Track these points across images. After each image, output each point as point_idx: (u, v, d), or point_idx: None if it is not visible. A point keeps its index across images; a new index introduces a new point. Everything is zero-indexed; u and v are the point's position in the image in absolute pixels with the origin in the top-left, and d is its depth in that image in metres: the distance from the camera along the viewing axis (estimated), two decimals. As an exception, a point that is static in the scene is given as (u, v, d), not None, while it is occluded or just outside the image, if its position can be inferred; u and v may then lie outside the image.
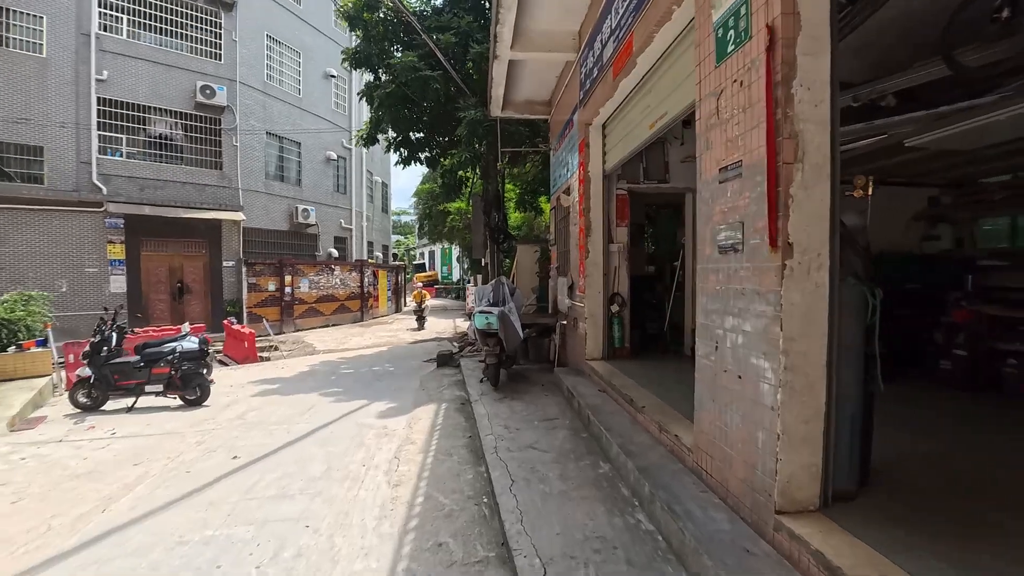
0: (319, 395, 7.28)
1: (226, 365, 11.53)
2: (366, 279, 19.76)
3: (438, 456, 4.49)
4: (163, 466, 4.59)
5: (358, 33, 10.91)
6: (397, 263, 25.43)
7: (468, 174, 13.67)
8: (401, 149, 11.81)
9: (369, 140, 11.10)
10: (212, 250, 15.25)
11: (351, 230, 21.00)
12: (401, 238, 56.29)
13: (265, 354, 12.32)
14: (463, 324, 17.85)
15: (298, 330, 16.58)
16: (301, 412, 6.34)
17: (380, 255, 24.48)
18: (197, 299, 15.13)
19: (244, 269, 15.27)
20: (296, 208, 17.58)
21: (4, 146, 12.29)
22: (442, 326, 17.68)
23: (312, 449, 4.96)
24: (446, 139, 11.90)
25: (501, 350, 6.40)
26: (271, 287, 15.99)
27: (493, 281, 7.35)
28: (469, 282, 32.94)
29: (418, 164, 12.19)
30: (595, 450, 4.13)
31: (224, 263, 15.34)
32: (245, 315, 15.27)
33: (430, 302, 32.36)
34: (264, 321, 13.97)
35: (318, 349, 12.96)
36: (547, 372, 7.32)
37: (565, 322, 7.36)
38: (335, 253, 19.71)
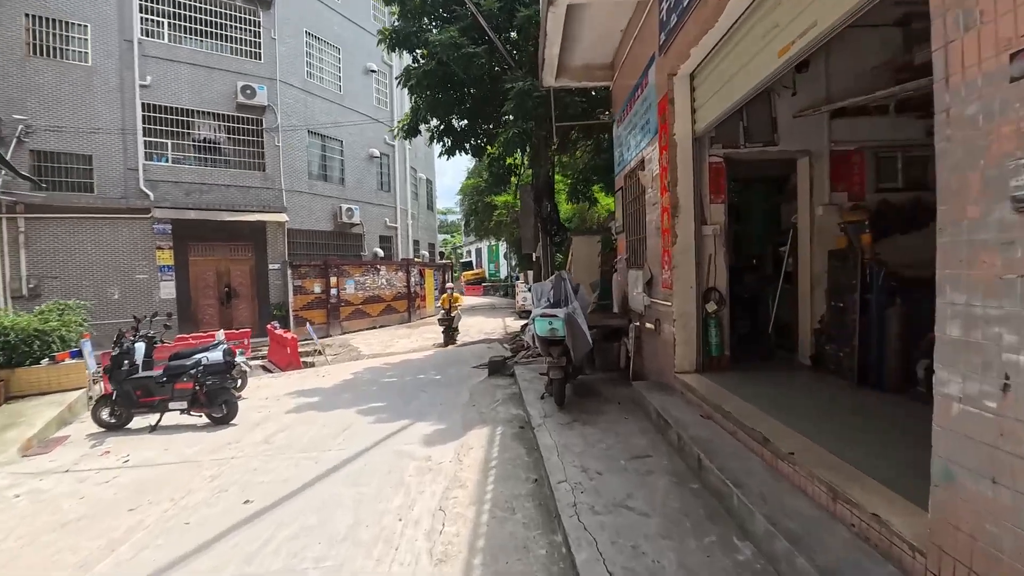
0: (357, 411, 6.39)
1: (269, 372, 11.02)
2: (412, 278, 19.10)
3: (495, 512, 3.39)
4: (162, 512, 3.75)
5: (394, 10, 10.00)
6: (443, 261, 24.75)
7: (516, 161, 12.53)
8: (444, 138, 10.83)
9: (410, 131, 10.18)
10: (258, 253, 14.96)
11: (396, 228, 20.41)
12: (447, 237, 56.20)
13: (309, 359, 11.75)
14: (513, 323, 16.81)
15: (345, 332, 16.08)
16: (335, 434, 5.44)
17: (426, 253, 23.86)
18: (244, 303, 14.89)
19: (289, 271, 14.88)
20: (340, 208, 17.09)
21: (55, 156, 12.33)
22: (491, 326, 16.71)
23: (340, 489, 3.99)
24: (492, 126, 10.81)
25: (568, 361, 5.23)
26: (317, 289, 15.55)
27: (552, 277, 6.19)
28: (518, 279, 31.97)
29: (463, 154, 11.19)
30: (719, 514, 2.90)
31: (270, 266, 15.02)
32: (292, 318, 14.89)
33: (477, 300, 31.75)
34: (308, 325, 13.43)
35: (363, 353, 12.27)
36: (620, 385, 6.08)
37: (639, 324, 6.09)
38: (380, 253, 19.16)
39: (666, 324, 5.15)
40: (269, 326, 12.15)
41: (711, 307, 4.88)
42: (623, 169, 6.98)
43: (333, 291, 15.81)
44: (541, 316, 5.28)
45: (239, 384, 7.61)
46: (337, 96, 17.58)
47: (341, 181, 17.82)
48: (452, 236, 58.11)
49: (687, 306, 4.86)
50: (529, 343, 6.17)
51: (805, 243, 5.19)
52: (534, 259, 13.46)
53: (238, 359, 7.39)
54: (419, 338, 14.49)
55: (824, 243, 5.01)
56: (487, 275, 40.36)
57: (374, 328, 17.22)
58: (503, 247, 37.15)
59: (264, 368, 11.27)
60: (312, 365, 11.28)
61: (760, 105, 5.03)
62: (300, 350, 11.68)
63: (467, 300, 30.46)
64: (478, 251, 46.25)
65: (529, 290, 15.18)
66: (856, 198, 5.07)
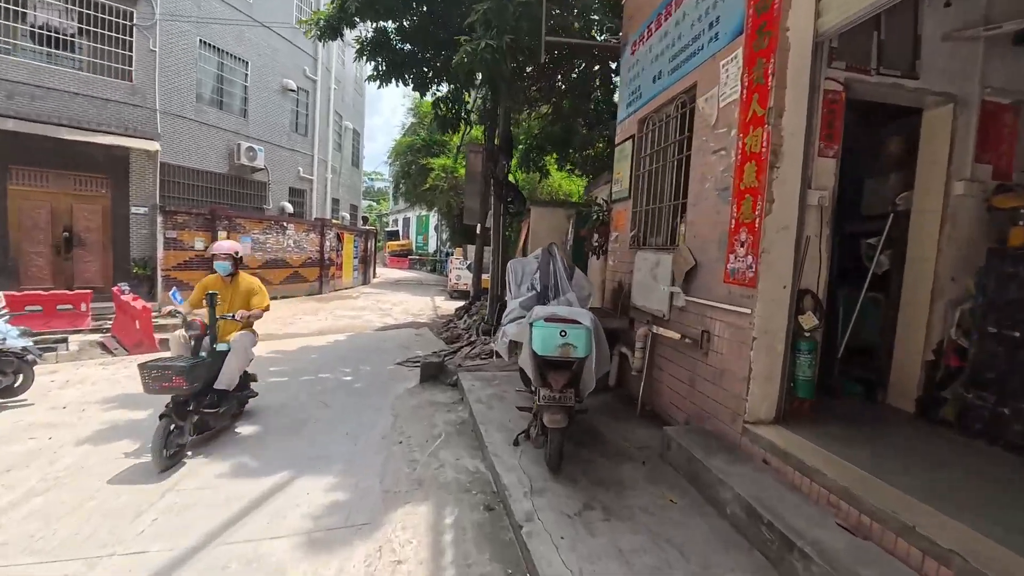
0: (198, 449, 3.94)
1: (111, 353, 7.97)
2: (328, 242, 16.10)
3: None
4: None
5: None
6: (367, 227, 21.69)
7: (469, 103, 10.15)
8: (378, 57, 8.20)
9: (329, 31, 7.32)
10: (117, 190, 11.34)
11: (312, 182, 17.15)
12: (372, 203, 51.87)
13: (168, 335, 8.75)
14: (445, 304, 14.54)
15: (234, 302, 12.91)
16: (142, 507, 3.00)
17: (347, 215, 20.69)
18: (93, 255, 11.27)
19: (160, 218, 11.44)
20: (238, 146, 13.66)
21: None
22: (418, 306, 14.32)
23: None
24: (445, 52, 8.33)
25: (576, 397, 3.15)
26: (198, 244, 12.21)
27: (539, 252, 4.12)
28: (450, 254, 29.47)
29: (400, 84, 8.61)
30: None
31: (133, 209, 11.48)
32: (160, 279, 11.54)
33: (402, 274, 28.82)
34: (174, 291, 10.12)
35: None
36: (624, 420, 4.16)
37: (656, 331, 4.19)
38: (289, 208, 15.91)
39: (727, 341, 3.27)
40: (116, 288, 8.95)
41: (807, 321, 3.04)
42: (637, 110, 4.98)
43: (222, 249, 12.54)
44: (545, 321, 3.13)
45: (17, 383, 4.79)
46: (244, 3, 13.94)
47: (243, 113, 14.30)
48: (378, 203, 53.86)
49: (775, 318, 3.00)
50: (500, 353, 4.02)
51: (924, 234, 3.51)
52: (478, 231, 11.27)
53: (11, 342, 4.62)
54: (330, 316, 11.80)
55: (960, 235, 3.35)
56: (414, 248, 37.38)
57: (275, 299, 14.11)
58: (434, 219, 34.34)
59: (103, 346, 8.17)
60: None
61: (903, 14, 3.20)
62: (158, 323, 8.67)
63: (392, 273, 27.56)
64: (406, 221, 42.91)
65: (468, 268, 12.99)
66: (1002, 175, 3.44)
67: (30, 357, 4.96)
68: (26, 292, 9.03)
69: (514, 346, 3.69)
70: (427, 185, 19.28)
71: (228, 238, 12.65)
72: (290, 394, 5.54)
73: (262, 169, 14.42)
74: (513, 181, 9.86)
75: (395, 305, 14.37)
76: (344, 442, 4.11)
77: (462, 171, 19.42)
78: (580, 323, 3.07)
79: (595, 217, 6.38)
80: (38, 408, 4.73)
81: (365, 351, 8.06)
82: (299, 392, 5.64)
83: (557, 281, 3.86)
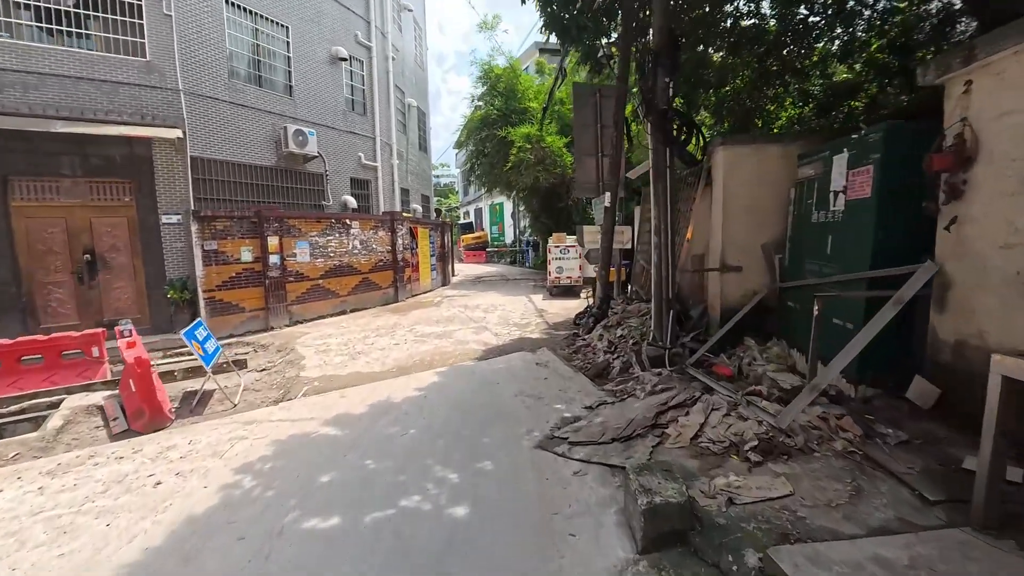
0: None
1: (107, 425, 5.38)
2: (400, 240, 13.31)
3: None
4: None
5: None
6: (442, 220, 18.86)
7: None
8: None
9: None
10: (142, 197, 9.07)
11: (376, 169, 14.44)
12: (440, 199, 49.73)
13: (199, 386, 6.09)
14: (547, 305, 11.17)
15: (295, 322, 10.41)
16: None
17: (419, 208, 17.95)
18: (123, 279, 9.09)
19: (196, 227, 9.04)
20: (285, 130, 11.10)
21: None
22: (517, 310, 11.06)
23: None
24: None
25: None
26: (246, 256, 9.75)
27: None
28: (531, 243, 26.23)
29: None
30: None
31: (163, 218, 9.16)
32: (202, 302, 9.15)
33: (482, 269, 25.81)
34: (123, 325, 6.98)
35: (307, 375, 6.61)
36: None
37: None
38: (353, 203, 13.27)
39: None
40: (117, 328, 6.42)
41: None
42: None
43: (273, 258, 10.02)
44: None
45: None
46: (277, -46, 11.28)
47: (287, 90, 11.72)
48: (446, 197, 51.75)
49: None
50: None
51: None
52: (605, 206, 7.75)
53: None
54: (409, 334, 8.84)
55: None
56: (490, 239, 34.54)
57: (343, 313, 11.54)
58: (509, 206, 31.19)
59: (103, 413, 5.62)
60: (194, 410, 5.67)
61: None
62: (167, 368, 6.06)
63: (470, 269, 24.75)
64: (478, 212, 40.24)
65: (588, 256, 9.50)
66: None
67: None
68: (20, 338, 6.78)
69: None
70: (509, 163, 15.96)
71: (281, 246, 10.11)
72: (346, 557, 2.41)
73: (315, 157, 11.80)
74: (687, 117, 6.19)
75: (488, 311, 11.23)
76: None
77: (551, 139, 15.95)
78: None
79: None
80: None
81: (472, 412, 4.86)
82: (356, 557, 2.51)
83: None
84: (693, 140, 5.68)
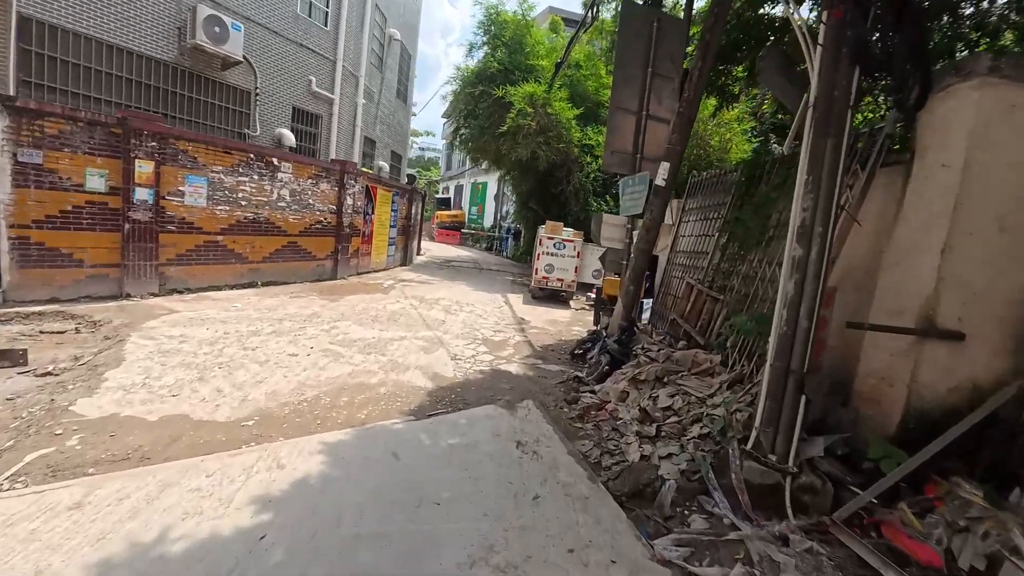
0: None
1: None
2: (350, 200, 10.11)
3: None
4: None
5: None
6: (412, 186, 15.54)
7: None
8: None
9: None
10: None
11: (332, 103, 11.10)
12: (419, 171, 45.93)
13: None
14: (528, 311, 8.19)
15: (170, 290, 7.20)
16: None
17: (384, 166, 14.63)
18: None
19: (5, 124, 5.64)
20: (195, 12, 7.69)
21: None
22: (490, 316, 8.03)
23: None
24: None
25: None
26: (94, 182, 6.42)
27: None
28: (512, 230, 23.21)
29: None
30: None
31: (-47, 99, 5.70)
32: (4, 244, 5.81)
33: (453, 252, 22.48)
34: None
35: (88, 408, 3.44)
36: None
37: None
38: (290, 139, 9.94)
39: None
40: None
41: None
42: None
43: (143, 192, 6.73)
44: None
45: None
46: None
47: (210, -38, 8.28)
48: (429, 170, 48.00)
49: None
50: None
51: None
52: (622, 194, 4.88)
53: None
54: (326, 339, 5.76)
55: None
56: (467, 220, 31.34)
57: (252, 286, 8.34)
58: (493, 187, 28.01)
59: None
60: None
61: None
62: None
63: (441, 250, 21.57)
64: (458, 189, 36.88)
65: (602, 265, 6.58)
66: None
67: None
68: None
69: None
70: (505, 127, 12.82)
71: (158, 177, 6.83)
72: None
73: (239, 62, 8.43)
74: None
75: (450, 312, 8.23)
76: None
77: (559, 105, 12.91)
78: None
79: None
80: None
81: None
82: None
83: None
84: (912, 62, 2.76)
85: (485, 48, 15.21)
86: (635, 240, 5.29)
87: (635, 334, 5.31)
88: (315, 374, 4.61)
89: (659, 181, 4.71)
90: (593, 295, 10.66)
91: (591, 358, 5.43)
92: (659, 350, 4.73)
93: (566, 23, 18.76)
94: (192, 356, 4.75)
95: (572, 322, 8.64)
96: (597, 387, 4.70)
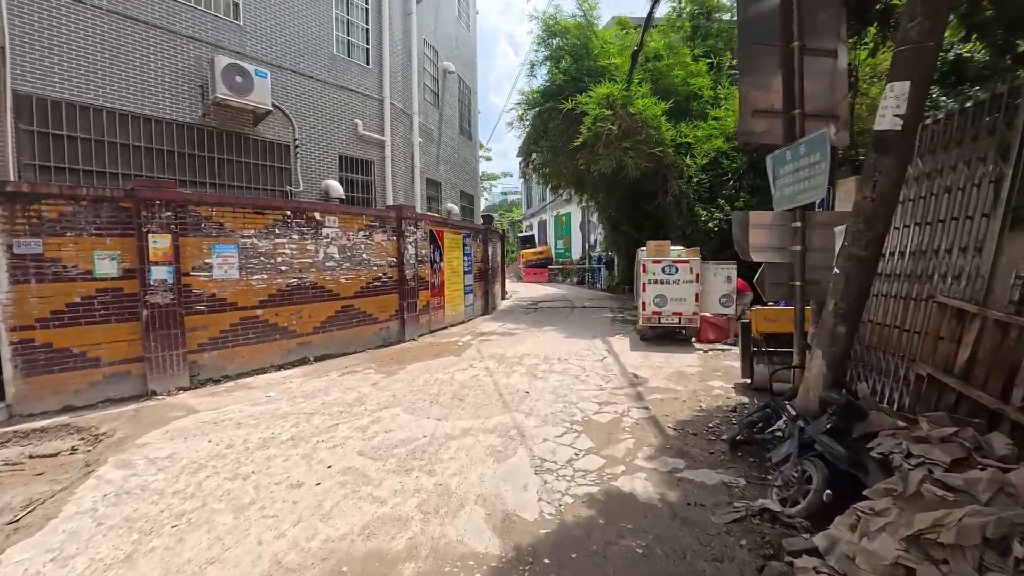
0: None
1: None
2: (411, 249, 8.69)
3: None
4: None
5: None
6: (486, 226, 14.06)
7: None
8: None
9: None
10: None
11: (384, 145, 9.97)
12: (503, 214, 45.29)
13: None
14: (637, 360, 5.72)
15: (206, 380, 5.99)
16: None
17: (455, 208, 13.32)
18: None
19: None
20: (212, 64, 6.84)
21: None
22: (589, 380, 5.78)
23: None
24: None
25: None
26: (102, 265, 5.46)
27: None
28: (603, 259, 20.93)
29: None
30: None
31: (-49, 195, 5.02)
32: (5, 351, 4.90)
33: (539, 290, 20.44)
34: None
35: None
36: None
37: None
38: (338, 191, 8.82)
39: None
40: None
41: None
42: None
43: (160, 271, 5.67)
44: None
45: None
46: None
47: (231, 9, 7.51)
48: (511, 211, 47.44)
49: None
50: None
51: None
52: (774, 178, 2.49)
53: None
54: (360, 437, 3.96)
55: None
56: (554, 255, 29.55)
57: (303, 363, 7.02)
58: (577, 216, 26.04)
59: None
60: None
61: None
62: None
63: (527, 290, 19.81)
64: (541, 225, 35.44)
65: (760, 280, 4.21)
66: None
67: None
68: None
69: None
70: (580, 138, 10.89)
71: (174, 252, 5.75)
72: None
73: (268, 111, 7.45)
74: None
75: (536, 375, 6.20)
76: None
77: (642, 103, 10.77)
78: None
79: None
80: None
81: None
82: None
83: None
84: None
85: (547, 63, 13.65)
86: (839, 244, 2.94)
87: (861, 415, 2.86)
88: (309, 532, 2.78)
89: (889, 122, 2.38)
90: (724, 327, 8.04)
91: (775, 458, 3.06)
92: (947, 456, 2.26)
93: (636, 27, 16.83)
94: (153, 502, 3.19)
95: (706, 373, 6.17)
96: (818, 542, 2.33)
